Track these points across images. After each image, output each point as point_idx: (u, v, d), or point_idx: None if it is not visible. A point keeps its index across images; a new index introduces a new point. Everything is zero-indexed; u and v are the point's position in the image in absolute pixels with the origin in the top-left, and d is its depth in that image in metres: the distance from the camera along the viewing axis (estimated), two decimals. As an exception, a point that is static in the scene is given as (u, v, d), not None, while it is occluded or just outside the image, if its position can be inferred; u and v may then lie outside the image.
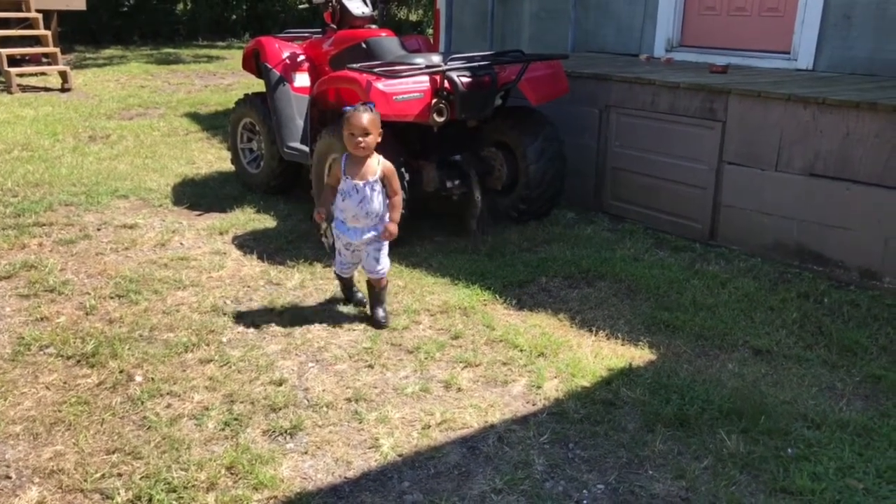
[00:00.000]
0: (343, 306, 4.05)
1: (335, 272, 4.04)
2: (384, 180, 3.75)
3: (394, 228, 3.80)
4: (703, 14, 6.54)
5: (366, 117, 3.62)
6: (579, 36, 7.45)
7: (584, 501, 2.59)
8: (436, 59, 4.93)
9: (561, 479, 2.69)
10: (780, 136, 4.57)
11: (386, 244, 3.86)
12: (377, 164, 3.75)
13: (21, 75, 10.95)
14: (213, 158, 7.20)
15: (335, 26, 5.59)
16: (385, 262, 3.85)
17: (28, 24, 11.57)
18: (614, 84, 5.50)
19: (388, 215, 3.81)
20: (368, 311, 3.95)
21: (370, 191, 3.70)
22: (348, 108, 3.65)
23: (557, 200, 5.41)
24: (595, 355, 3.53)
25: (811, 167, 4.46)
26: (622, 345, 3.65)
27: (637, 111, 5.36)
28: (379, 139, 3.72)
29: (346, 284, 4.08)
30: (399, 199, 3.84)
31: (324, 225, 3.93)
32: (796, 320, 3.90)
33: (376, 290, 3.90)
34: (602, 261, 4.62)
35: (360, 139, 3.62)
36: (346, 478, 2.69)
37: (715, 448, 2.84)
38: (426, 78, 4.57)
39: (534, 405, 3.16)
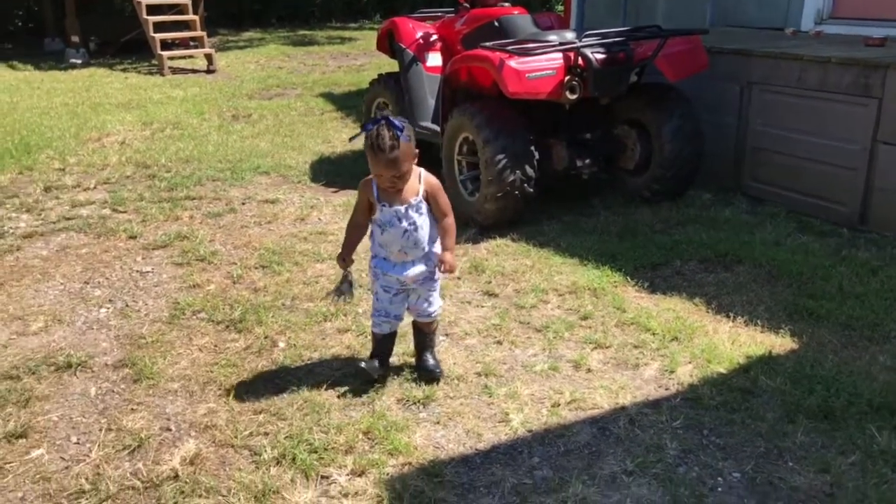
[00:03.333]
0: (461, 292, 4.09)
1: (372, 328, 3.20)
2: (429, 199, 2.99)
3: (452, 260, 3.01)
4: (860, -17, 6.10)
5: (394, 154, 2.76)
6: (718, 11, 7.11)
7: (719, 489, 2.53)
8: (569, 35, 4.88)
9: (695, 465, 2.64)
10: (946, 114, 4.22)
11: (438, 281, 3.15)
12: (419, 182, 2.95)
13: (172, 58, 11.69)
14: (347, 137, 7.43)
15: (468, 5, 5.62)
16: (438, 302, 3.16)
17: (178, 9, 12.32)
18: (757, 59, 5.24)
19: (438, 244, 3.05)
20: (414, 360, 3.28)
21: (417, 214, 2.94)
22: (369, 126, 2.82)
23: (693, 181, 5.24)
24: (732, 342, 3.41)
25: (981, 148, 4.09)
26: (761, 332, 3.51)
27: (782, 88, 5.09)
28: (415, 161, 2.92)
29: (380, 347, 3.20)
30: (451, 221, 3.03)
31: (345, 272, 3.15)
32: (958, 313, 3.61)
33: (426, 335, 3.22)
34: (741, 244, 4.44)
35: (393, 182, 2.86)
36: (476, 449, 2.74)
37: (864, 444, 2.69)
38: (559, 55, 4.52)
39: (667, 389, 3.10)
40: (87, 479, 2.58)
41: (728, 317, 3.66)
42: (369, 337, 3.50)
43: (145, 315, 3.78)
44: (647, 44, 4.83)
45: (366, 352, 3.37)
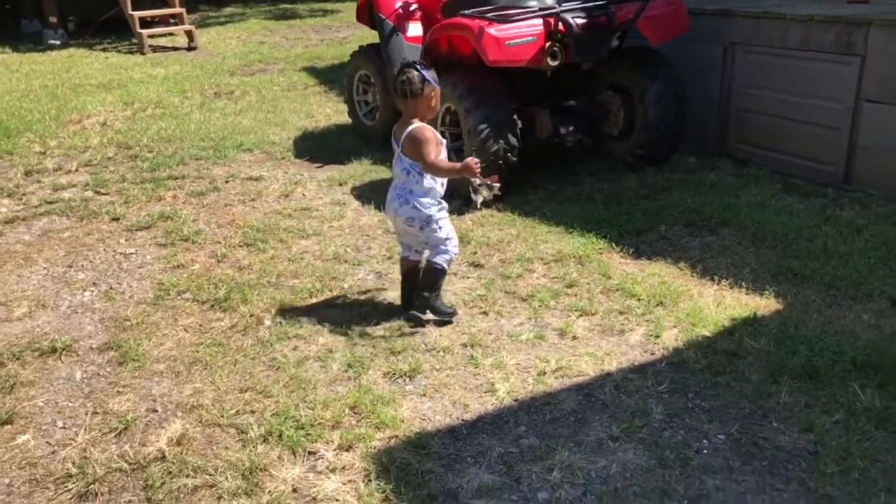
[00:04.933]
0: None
1: (446, 267, 3.41)
2: None
3: None
4: (842, -61, 6.02)
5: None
6: (702, -30, 7.04)
7: (704, 451, 2.54)
8: (550, 1, 4.81)
9: (680, 429, 2.65)
10: (929, 70, 4.19)
11: None
12: None
13: (151, 36, 11.51)
14: (331, 112, 7.36)
15: (447, -28, 5.53)
16: None
17: (156, -14, 12.12)
18: (740, 20, 5.19)
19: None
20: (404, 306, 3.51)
21: None
22: (425, 75, 3.20)
23: (677, 145, 5.21)
24: (717, 304, 3.42)
25: (964, 103, 4.08)
26: (746, 294, 3.52)
27: (765, 48, 5.05)
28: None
29: None
30: None
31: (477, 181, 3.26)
32: (942, 269, 3.62)
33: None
34: (725, 207, 4.43)
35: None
36: (463, 420, 2.75)
37: (847, 402, 2.71)
38: (539, 21, 4.47)
39: (652, 354, 3.11)
40: (73, 462, 2.58)
41: (713, 280, 3.67)
42: (356, 312, 3.51)
43: (130, 297, 3.76)
44: (627, 7, 4.76)
45: (352, 327, 3.37)
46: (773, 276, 3.67)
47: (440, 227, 3.34)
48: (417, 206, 3.29)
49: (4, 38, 12.41)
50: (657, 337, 3.21)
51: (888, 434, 2.56)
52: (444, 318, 3.39)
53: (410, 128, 3.23)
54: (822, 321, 3.25)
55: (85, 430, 2.75)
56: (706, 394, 2.83)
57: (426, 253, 3.46)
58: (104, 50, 11.56)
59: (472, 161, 3.15)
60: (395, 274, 3.86)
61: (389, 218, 3.48)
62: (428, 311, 3.39)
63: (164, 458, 2.59)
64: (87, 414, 2.84)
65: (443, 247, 3.37)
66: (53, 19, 12.32)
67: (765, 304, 3.42)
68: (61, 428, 2.78)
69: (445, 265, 3.40)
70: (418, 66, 3.21)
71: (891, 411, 2.65)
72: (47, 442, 2.70)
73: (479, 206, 3.34)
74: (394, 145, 3.34)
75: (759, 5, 5.29)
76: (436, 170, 3.21)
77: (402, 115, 3.33)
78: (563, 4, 4.55)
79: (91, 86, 8.79)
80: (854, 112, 4.58)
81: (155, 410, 2.86)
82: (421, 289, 3.41)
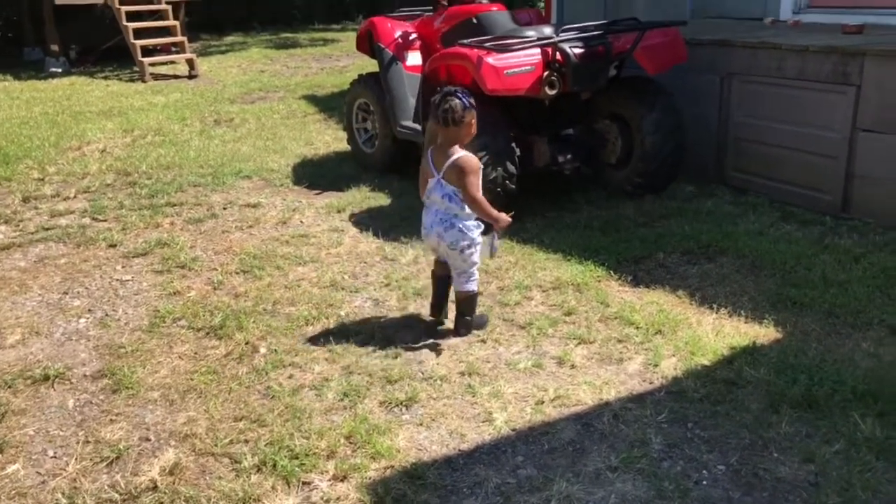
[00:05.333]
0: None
1: (476, 291, 3.55)
2: None
3: None
4: (836, -29, 6.09)
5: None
6: (697, 1, 7.11)
7: (704, 482, 2.51)
8: (547, 30, 4.86)
9: (679, 459, 2.62)
10: (924, 99, 4.21)
11: None
12: None
13: (153, 65, 11.60)
14: (330, 139, 7.39)
15: (446, 3, 5.59)
16: None
17: (159, 15, 12.24)
18: (737, 50, 5.23)
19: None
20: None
21: None
22: (466, 102, 3.25)
23: (675, 174, 5.22)
24: (716, 333, 3.40)
25: (960, 132, 4.09)
26: (745, 322, 3.50)
27: (762, 78, 5.08)
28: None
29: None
30: None
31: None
32: (941, 298, 3.61)
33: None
34: (724, 235, 4.43)
35: None
36: (460, 450, 2.72)
37: (847, 432, 2.68)
38: (537, 51, 4.50)
39: (651, 383, 3.08)
40: (63, 493, 2.53)
41: (712, 308, 3.65)
42: (352, 340, 3.48)
43: (125, 324, 3.74)
44: (625, 37, 4.81)
45: (349, 354, 3.35)
46: (772, 304, 3.65)
47: (474, 252, 3.44)
48: (463, 229, 3.37)
49: (6, 66, 12.50)
50: (656, 366, 3.19)
51: (889, 464, 2.53)
52: (485, 326, 3.56)
53: (456, 156, 3.28)
54: (822, 350, 3.23)
55: (76, 459, 2.71)
56: (705, 423, 2.80)
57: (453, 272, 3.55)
58: (105, 78, 11.64)
59: (506, 217, 3.34)
60: (393, 301, 3.86)
61: (430, 242, 3.50)
62: (472, 331, 3.53)
63: (155, 488, 2.55)
64: (78, 443, 2.81)
65: (471, 270, 3.47)
66: (55, 47, 12.42)
67: (764, 332, 3.40)
68: (52, 457, 2.74)
69: (476, 287, 3.52)
70: (459, 94, 3.27)
71: (892, 441, 2.62)
72: (37, 472, 2.66)
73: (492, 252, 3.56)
74: (432, 170, 3.37)
75: (756, 36, 5.33)
76: (475, 205, 3.30)
77: (438, 140, 3.35)
78: (561, 34, 4.58)
79: (91, 113, 8.84)
80: (850, 141, 4.60)
81: (148, 439, 2.83)
82: (462, 314, 3.53)
